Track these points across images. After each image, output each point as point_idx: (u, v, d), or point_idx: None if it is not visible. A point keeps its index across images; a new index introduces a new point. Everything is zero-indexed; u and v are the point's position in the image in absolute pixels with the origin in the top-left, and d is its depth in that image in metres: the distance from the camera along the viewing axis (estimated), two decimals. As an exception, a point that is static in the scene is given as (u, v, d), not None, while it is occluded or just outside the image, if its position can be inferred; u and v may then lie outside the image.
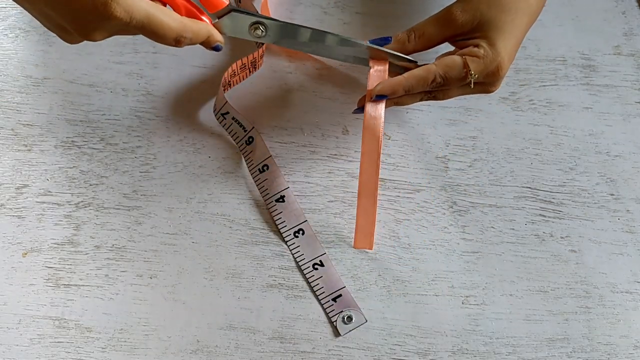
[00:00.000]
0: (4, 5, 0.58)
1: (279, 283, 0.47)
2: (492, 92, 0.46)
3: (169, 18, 0.40)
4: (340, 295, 0.46)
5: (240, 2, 0.56)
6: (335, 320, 0.45)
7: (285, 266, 0.48)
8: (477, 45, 0.44)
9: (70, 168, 0.51)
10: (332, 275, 0.47)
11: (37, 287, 0.46)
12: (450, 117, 0.54)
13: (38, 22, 0.56)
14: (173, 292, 0.46)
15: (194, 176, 0.51)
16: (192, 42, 0.42)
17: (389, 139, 0.53)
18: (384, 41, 0.47)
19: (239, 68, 0.52)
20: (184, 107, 0.54)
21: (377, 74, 0.46)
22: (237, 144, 0.51)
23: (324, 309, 0.46)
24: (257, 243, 0.48)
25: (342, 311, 0.46)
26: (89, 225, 0.48)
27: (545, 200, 0.51)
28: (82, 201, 0.49)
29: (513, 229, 0.50)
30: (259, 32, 0.46)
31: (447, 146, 0.53)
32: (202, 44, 0.43)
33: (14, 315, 0.45)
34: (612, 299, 0.48)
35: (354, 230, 0.48)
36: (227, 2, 0.44)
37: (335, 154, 0.52)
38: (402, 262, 0.48)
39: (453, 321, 0.46)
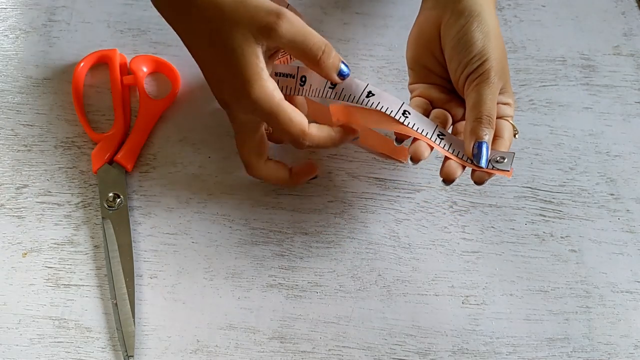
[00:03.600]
0: (4, 6, 0.58)
1: (279, 283, 0.47)
2: None
3: (296, 113, 0.43)
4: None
5: None
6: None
7: (285, 266, 0.48)
8: (505, 104, 0.47)
9: (70, 168, 0.51)
10: (456, 139, 0.46)
11: (37, 287, 0.46)
12: (450, 117, 0.54)
13: (38, 23, 0.56)
14: (173, 292, 0.46)
15: (194, 176, 0.51)
16: (313, 143, 0.45)
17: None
18: (482, 149, 0.44)
19: None
20: (184, 107, 0.54)
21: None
22: (288, 93, 0.47)
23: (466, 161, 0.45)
24: (257, 243, 0.48)
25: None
26: (89, 225, 0.48)
27: (545, 200, 0.51)
28: (82, 201, 0.49)
29: (513, 228, 0.50)
30: None
31: (447, 146, 0.53)
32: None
33: (14, 315, 0.45)
34: (612, 298, 0.48)
35: (354, 230, 0.48)
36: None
37: (335, 154, 0.52)
38: (402, 262, 0.48)
39: (453, 321, 0.46)
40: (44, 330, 0.44)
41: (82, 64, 0.54)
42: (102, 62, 0.55)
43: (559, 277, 0.48)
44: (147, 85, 0.55)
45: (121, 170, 0.50)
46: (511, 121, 0.47)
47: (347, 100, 0.45)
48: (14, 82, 0.54)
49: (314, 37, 0.42)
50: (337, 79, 0.44)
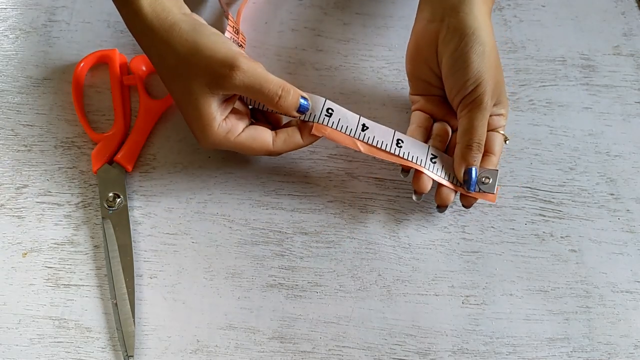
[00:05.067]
0: (4, 6, 0.58)
1: (279, 283, 0.47)
2: None
3: (255, 139, 0.47)
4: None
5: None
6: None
7: (285, 266, 0.48)
8: (498, 115, 0.49)
9: (70, 168, 0.51)
10: (448, 159, 0.49)
11: (37, 287, 0.46)
12: (450, 117, 0.54)
13: (38, 23, 0.56)
14: (173, 292, 0.46)
15: (194, 176, 0.51)
16: (282, 152, 0.49)
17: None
18: (472, 175, 0.47)
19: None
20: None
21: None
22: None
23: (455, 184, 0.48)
24: (257, 243, 0.48)
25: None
26: (89, 225, 0.48)
27: (545, 200, 0.51)
28: (82, 201, 0.49)
29: (513, 228, 0.50)
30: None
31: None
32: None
33: (14, 315, 0.45)
34: (612, 298, 0.48)
35: (354, 230, 0.48)
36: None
37: (335, 154, 0.52)
38: (402, 262, 0.48)
39: (453, 321, 0.46)
40: (44, 330, 0.44)
41: (82, 64, 0.54)
42: (102, 62, 0.55)
43: (559, 277, 0.48)
44: (147, 85, 0.55)
45: (121, 170, 0.50)
46: (502, 131, 0.49)
47: (308, 119, 0.48)
48: (14, 82, 0.54)
49: (270, 84, 0.45)
50: (297, 114, 0.47)
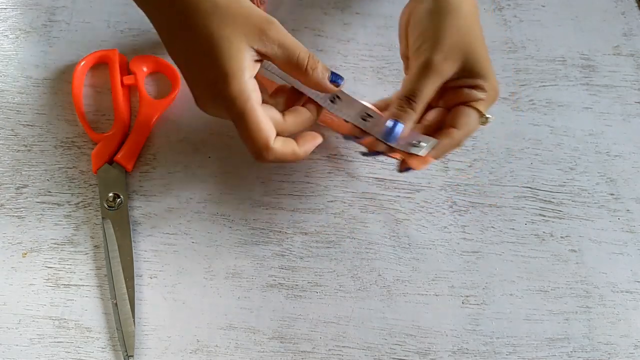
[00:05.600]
0: (4, 7, 0.58)
1: (279, 283, 0.47)
2: None
3: (265, 123, 0.41)
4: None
5: None
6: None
7: (285, 266, 0.48)
8: (475, 86, 0.44)
9: (70, 168, 0.51)
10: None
11: (37, 287, 0.46)
12: (450, 117, 0.54)
13: (38, 23, 0.56)
14: (173, 292, 0.46)
15: (194, 176, 0.51)
16: (275, 158, 0.43)
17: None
18: (395, 128, 0.44)
19: None
20: (184, 107, 0.54)
21: None
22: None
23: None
24: (257, 243, 0.48)
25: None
26: (89, 225, 0.48)
27: (545, 200, 0.51)
28: (82, 201, 0.49)
29: (513, 228, 0.50)
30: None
31: (447, 146, 0.53)
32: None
33: (14, 315, 0.45)
34: (612, 298, 0.48)
35: (354, 230, 0.48)
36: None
37: (335, 154, 0.52)
38: (402, 262, 0.48)
39: (453, 321, 0.46)
40: (44, 330, 0.44)
41: (82, 64, 0.54)
42: (102, 62, 0.55)
43: (559, 277, 0.48)
44: (147, 85, 0.55)
45: (121, 170, 0.50)
46: (481, 107, 0.45)
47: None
48: (14, 82, 0.54)
49: (302, 49, 0.42)
50: (329, 85, 0.43)
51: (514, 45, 0.59)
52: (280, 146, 0.43)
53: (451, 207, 0.51)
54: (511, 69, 0.57)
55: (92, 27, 0.57)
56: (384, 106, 0.47)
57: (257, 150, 0.42)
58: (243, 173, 0.51)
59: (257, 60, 0.42)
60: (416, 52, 0.44)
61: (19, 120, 0.52)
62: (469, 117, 0.44)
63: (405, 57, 0.48)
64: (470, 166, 0.52)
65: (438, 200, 0.51)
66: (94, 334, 0.44)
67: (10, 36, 0.56)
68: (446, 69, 0.44)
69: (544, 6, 0.62)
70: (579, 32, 0.60)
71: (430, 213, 0.50)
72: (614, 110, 0.56)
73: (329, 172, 0.52)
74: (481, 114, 0.45)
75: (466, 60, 0.44)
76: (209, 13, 0.41)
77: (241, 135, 0.42)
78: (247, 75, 0.41)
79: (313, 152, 0.52)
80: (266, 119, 0.42)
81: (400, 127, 0.44)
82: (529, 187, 0.52)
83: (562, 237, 0.50)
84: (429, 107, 0.47)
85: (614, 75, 0.58)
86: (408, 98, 0.44)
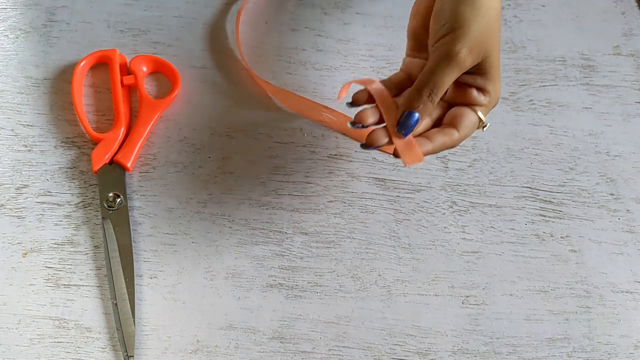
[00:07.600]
0: (4, 6, 0.58)
1: (279, 283, 0.47)
2: None
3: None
4: None
5: None
6: None
7: (285, 266, 0.48)
8: (482, 89, 0.43)
9: (70, 168, 0.51)
10: None
11: (37, 287, 0.46)
12: (450, 117, 0.54)
13: (38, 23, 0.56)
14: (173, 292, 0.46)
15: (194, 176, 0.51)
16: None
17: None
18: (410, 120, 0.42)
19: None
20: (184, 107, 0.54)
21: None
22: None
23: None
24: (257, 243, 0.48)
25: None
26: (89, 225, 0.48)
27: (545, 200, 0.51)
28: (82, 201, 0.49)
29: (513, 229, 0.50)
30: None
31: (447, 146, 0.53)
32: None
33: (14, 315, 0.45)
34: (612, 298, 0.48)
35: (354, 230, 0.48)
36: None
37: (335, 154, 0.52)
38: (402, 262, 0.48)
39: (453, 321, 0.46)
40: (44, 330, 0.44)
41: (82, 64, 0.54)
42: (102, 62, 0.55)
43: (559, 277, 0.48)
44: (147, 85, 0.55)
45: (121, 170, 0.50)
46: (480, 112, 0.44)
47: None
48: (14, 82, 0.54)
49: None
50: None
51: (514, 45, 0.59)
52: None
53: (451, 207, 0.51)
54: (511, 69, 0.57)
55: (92, 27, 0.57)
56: (389, 85, 0.45)
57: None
58: (243, 173, 0.51)
59: None
60: (438, 42, 0.42)
61: (19, 120, 0.52)
62: (470, 121, 0.43)
63: (413, 36, 0.46)
64: (470, 166, 0.52)
65: (438, 200, 0.51)
66: (94, 334, 0.44)
67: (10, 36, 0.56)
68: (468, 62, 0.41)
69: (544, 6, 0.62)
70: (579, 32, 0.60)
71: (430, 213, 0.50)
72: (614, 110, 0.56)
73: (329, 172, 0.52)
74: (480, 121, 0.44)
75: (485, 58, 0.42)
76: None
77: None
78: None
79: (313, 152, 0.52)
80: None
81: (415, 118, 0.41)
82: (529, 187, 0.52)
83: (562, 237, 0.50)
84: None
85: (614, 75, 0.58)
86: (431, 91, 0.41)
